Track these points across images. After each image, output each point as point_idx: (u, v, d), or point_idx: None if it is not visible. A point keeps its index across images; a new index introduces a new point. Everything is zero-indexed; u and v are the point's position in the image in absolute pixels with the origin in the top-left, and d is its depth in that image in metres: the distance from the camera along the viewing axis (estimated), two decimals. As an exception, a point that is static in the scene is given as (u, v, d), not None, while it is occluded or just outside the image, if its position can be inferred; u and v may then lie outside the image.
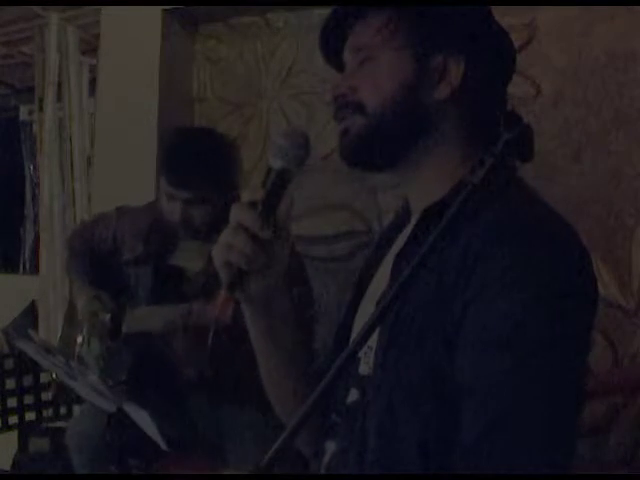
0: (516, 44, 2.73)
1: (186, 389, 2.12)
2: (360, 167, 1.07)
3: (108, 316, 2.12)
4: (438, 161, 1.02)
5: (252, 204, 0.96)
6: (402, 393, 0.92)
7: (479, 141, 1.01)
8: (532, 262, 0.87)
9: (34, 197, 4.18)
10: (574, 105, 2.38)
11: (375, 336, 0.95)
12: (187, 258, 2.15)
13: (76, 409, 2.51)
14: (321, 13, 2.75)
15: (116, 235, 2.25)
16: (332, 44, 1.09)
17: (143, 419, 1.78)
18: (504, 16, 2.46)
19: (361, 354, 1.00)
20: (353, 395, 1.02)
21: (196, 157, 2.02)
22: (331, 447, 1.05)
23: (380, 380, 0.95)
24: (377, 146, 1.03)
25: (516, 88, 2.58)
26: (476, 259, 0.88)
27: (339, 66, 1.09)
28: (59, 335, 2.37)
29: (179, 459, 2.02)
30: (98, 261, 2.27)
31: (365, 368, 1.00)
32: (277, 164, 0.97)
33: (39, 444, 2.61)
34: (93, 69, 3.48)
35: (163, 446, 1.79)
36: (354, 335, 1.08)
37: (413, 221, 1.05)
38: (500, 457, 0.83)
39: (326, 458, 1.05)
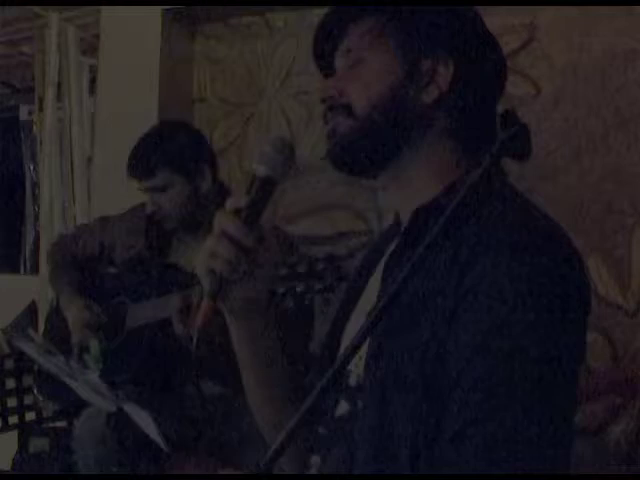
0: (516, 44, 2.74)
1: (188, 384, 2.13)
2: (347, 170, 1.06)
3: (105, 319, 2.13)
4: (427, 164, 1.01)
5: (236, 212, 0.95)
6: (394, 396, 0.91)
7: (469, 144, 1.01)
8: (520, 264, 0.86)
9: (34, 197, 4.18)
10: (574, 105, 2.38)
11: (365, 344, 0.94)
12: (183, 256, 2.16)
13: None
14: (321, 13, 2.74)
15: (103, 241, 2.28)
16: (325, 48, 1.09)
17: (143, 419, 1.78)
18: (504, 16, 2.49)
19: (352, 366, 0.99)
20: (342, 407, 1.01)
21: (144, 149, 2.14)
22: (317, 461, 1.04)
23: (371, 386, 0.94)
24: (364, 149, 1.02)
25: (516, 88, 2.59)
26: (466, 261, 0.88)
27: (328, 70, 1.08)
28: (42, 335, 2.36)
29: (179, 459, 2.02)
30: (83, 269, 2.29)
31: (354, 380, 0.99)
32: (261, 171, 0.97)
33: (39, 444, 2.61)
34: (93, 69, 3.48)
35: (163, 446, 1.79)
36: (344, 345, 1.07)
37: (404, 225, 1.05)
38: (478, 454, 0.82)
39: (312, 471, 1.03)
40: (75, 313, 2.17)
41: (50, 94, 3.52)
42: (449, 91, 1.00)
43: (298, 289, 1.65)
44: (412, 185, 1.02)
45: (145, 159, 2.10)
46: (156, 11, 3.00)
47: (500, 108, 0.92)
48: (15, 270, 4.28)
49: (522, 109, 2.35)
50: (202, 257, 0.95)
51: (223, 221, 0.95)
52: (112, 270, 2.27)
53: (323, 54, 1.09)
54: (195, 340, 0.95)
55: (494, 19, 2.28)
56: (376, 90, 1.00)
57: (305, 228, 2.77)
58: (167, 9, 2.99)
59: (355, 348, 0.78)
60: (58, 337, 2.26)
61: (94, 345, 2.17)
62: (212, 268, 0.93)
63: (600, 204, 2.30)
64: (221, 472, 1.96)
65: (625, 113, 2.30)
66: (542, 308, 0.86)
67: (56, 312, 2.35)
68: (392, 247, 1.04)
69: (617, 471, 2.18)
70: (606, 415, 2.24)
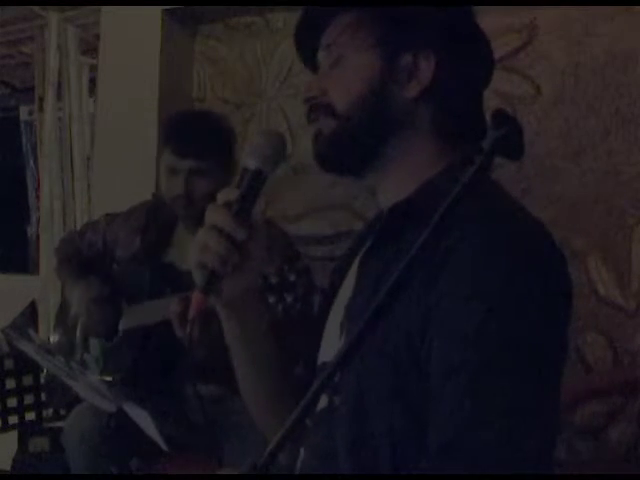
0: (516, 44, 2.74)
1: (186, 385, 2.12)
2: (335, 171, 1.05)
3: (105, 314, 2.12)
4: (411, 161, 1.01)
5: (227, 205, 0.94)
6: (369, 395, 0.91)
7: (453, 140, 1.00)
8: (498, 262, 0.85)
9: (35, 197, 4.18)
10: (574, 105, 2.37)
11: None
12: (182, 254, 2.16)
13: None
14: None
15: (106, 238, 2.28)
16: (306, 45, 1.08)
17: (143, 419, 1.78)
18: (504, 16, 2.48)
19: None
20: (323, 402, 1.00)
21: (199, 129, 2.11)
22: (302, 454, 1.03)
23: (346, 383, 0.94)
24: (348, 148, 1.01)
25: (516, 88, 2.58)
26: (444, 259, 0.86)
27: (312, 64, 1.08)
28: (52, 339, 2.37)
29: (179, 459, 2.02)
30: (87, 264, 2.30)
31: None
32: (252, 164, 0.96)
33: (39, 444, 2.61)
34: (93, 69, 3.48)
35: (163, 446, 1.79)
36: (325, 341, 1.07)
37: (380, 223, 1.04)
38: (468, 461, 0.81)
39: (298, 465, 1.03)
40: (79, 293, 2.17)
41: (50, 94, 3.52)
42: (431, 86, 0.99)
43: (270, 300, 1.65)
44: (395, 181, 1.02)
45: (201, 139, 2.08)
46: (156, 11, 3.00)
47: (497, 107, 0.92)
48: (15, 270, 4.28)
49: (522, 109, 2.34)
50: (193, 250, 0.94)
51: (214, 214, 0.94)
52: (112, 269, 2.27)
53: (306, 48, 1.09)
54: (188, 332, 0.94)
55: (494, 19, 2.28)
56: (356, 89, 1.00)
57: (305, 228, 2.77)
58: (167, 9, 2.99)
59: (345, 356, 0.77)
60: (65, 336, 2.26)
61: (94, 345, 2.17)
62: (203, 262, 0.93)
63: (600, 204, 2.30)
64: (220, 472, 1.96)
65: (625, 113, 2.30)
66: (520, 306, 0.84)
67: (61, 309, 2.35)
68: (368, 245, 1.04)
69: (617, 470, 2.18)
70: (606, 415, 2.24)
